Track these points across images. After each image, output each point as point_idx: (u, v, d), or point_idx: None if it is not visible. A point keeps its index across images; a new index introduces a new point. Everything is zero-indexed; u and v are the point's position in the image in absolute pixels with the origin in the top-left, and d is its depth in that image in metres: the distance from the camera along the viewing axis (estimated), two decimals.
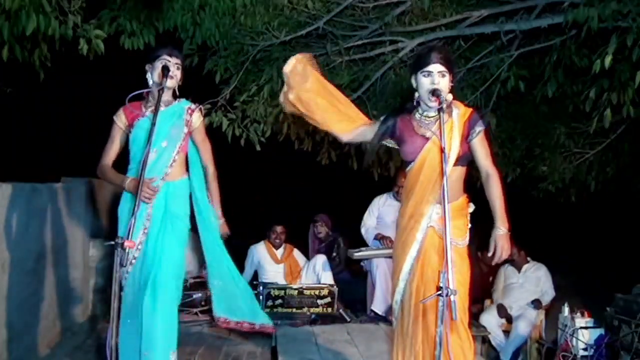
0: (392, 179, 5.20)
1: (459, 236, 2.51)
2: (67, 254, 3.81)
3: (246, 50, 5.18)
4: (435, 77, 2.44)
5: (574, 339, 4.18)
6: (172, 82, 2.84)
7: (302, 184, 10.66)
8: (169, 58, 2.83)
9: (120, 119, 2.92)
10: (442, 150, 2.27)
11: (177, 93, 2.96)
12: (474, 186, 3.03)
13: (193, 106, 2.98)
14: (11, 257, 3.03)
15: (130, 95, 2.83)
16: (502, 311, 4.98)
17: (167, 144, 2.88)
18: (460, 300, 2.41)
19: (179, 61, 2.88)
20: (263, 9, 4.91)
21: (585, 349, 4.14)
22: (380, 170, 5.61)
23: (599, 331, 4.18)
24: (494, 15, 4.92)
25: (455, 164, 2.51)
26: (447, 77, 2.46)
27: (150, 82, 2.88)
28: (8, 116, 8.79)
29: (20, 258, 3.15)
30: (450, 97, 2.48)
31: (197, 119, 2.97)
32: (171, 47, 2.92)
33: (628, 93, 4.17)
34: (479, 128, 2.48)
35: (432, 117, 2.53)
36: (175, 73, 2.86)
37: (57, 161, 8.46)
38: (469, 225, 2.59)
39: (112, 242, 2.24)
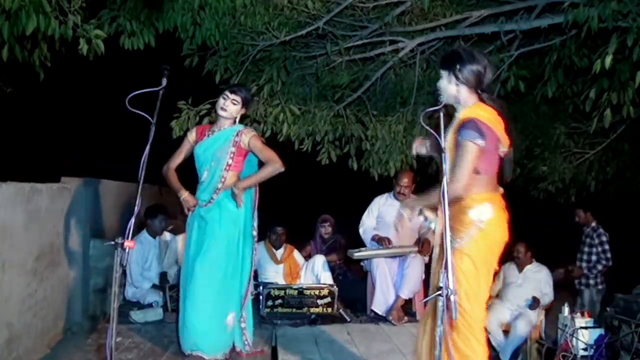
0: (392, 179, 5.19)
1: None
2: (67, 254, 3.81)
3: (246, 50, 5.19)
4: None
5: (574, 339, 4.18)
6: (223, 113, 3.35)
7: (302, 184, 10.65)
8: (228, 94, 3.35)
9: (192, 135, 3.49)
10: (441, 151, 2.27)
11: (237, 121, 3.43)
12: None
13: (243, 128, 3.40)
14: (11, 257, 3.03)
15: (131, 95, 2.82)
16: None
17: (215, 164, 3.35)
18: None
19: (237, 97, 3.35)
20: (263, 9, 4.91)
21: (585, 349, 4.14)
22: (380, 170, 5.60)
23: (599, 331, 4.18)
24: (494, 15, 4.92)
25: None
26: (444, 77, 2.51)
27: (217, 110, 3.39)
28: (8, 116, 8.80)
29: (20, 258, 3.15)
30: (449, 93, 2.48)
31: (246, 138, 3.36)
32: (239, 86, 3.56)
33: (628, 93, 4.17)
34: (459, 137, 2.39)
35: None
36: (229, 107, 3.34)
37: (57, 161, 8.45)
38: (473, 225, 2.41)
39: (112, 242, 2.24)
